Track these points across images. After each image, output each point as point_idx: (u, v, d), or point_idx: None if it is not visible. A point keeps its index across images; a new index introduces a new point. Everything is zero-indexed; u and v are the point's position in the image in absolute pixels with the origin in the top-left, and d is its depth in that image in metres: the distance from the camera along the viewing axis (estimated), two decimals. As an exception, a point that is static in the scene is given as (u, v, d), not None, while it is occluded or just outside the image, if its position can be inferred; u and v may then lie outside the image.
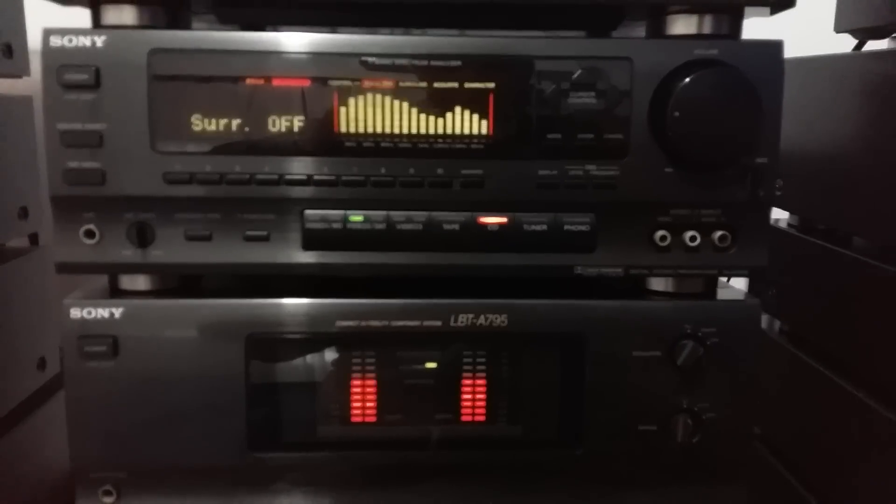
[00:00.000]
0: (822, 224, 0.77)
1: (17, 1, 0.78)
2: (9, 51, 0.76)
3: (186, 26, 0.56)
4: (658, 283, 0.58)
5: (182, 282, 0.57)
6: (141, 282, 0.56)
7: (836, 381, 0.67)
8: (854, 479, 0.64)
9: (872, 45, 0.76)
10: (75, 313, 0.54)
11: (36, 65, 0.79)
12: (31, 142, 0.80)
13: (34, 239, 0.84)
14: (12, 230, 0.77)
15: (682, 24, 0.54)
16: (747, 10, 0.54)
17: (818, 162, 0.74)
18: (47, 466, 0.75)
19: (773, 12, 0.55)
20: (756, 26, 0.58)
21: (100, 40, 0.51)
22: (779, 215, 0.86)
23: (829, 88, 0.73)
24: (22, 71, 0.79)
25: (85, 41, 0.51)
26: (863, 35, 0.75)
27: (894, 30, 0.70)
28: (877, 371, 0.63)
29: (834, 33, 0.77)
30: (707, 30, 0.54)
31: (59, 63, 0.51)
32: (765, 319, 0.86)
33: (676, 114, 0.51)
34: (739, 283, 0.84)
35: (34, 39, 0.78)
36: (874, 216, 0.65)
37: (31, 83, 0.81)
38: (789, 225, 0.83)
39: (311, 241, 0.54)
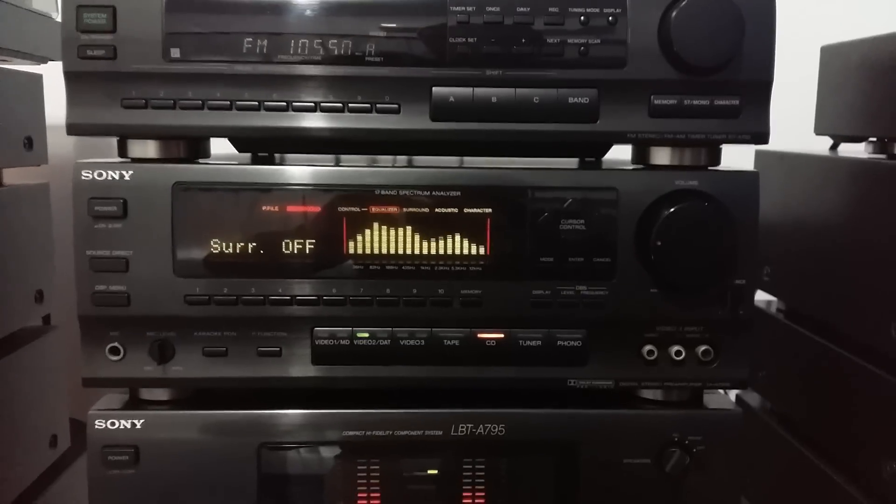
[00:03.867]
0: (805, 311, 0.80)
1: (38, 96, 0.82)
2: (30, 143, 0.80)
3: (206, 154, 0.60)
4: (648, 392, 0.61)
5: (198, 391, 0.61)
6: (160, 392, 0.60)
7: (820, 466, 0.70)
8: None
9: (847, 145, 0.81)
10: (100, 424, 0.57)
11: (52, 150, 0.83)
12: (46, 226, 0.83)
13: (46, 319, 0.86)
14: (29, 314, 0.80)
15: (665, 155, 0.58)
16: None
17: (800, 251, 0.78)
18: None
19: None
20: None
21: (127, 174, 0.55)
22: (770, 298, 0.89)
23: (810, 183, 0.77)
24: (41, 160, 0.83)
25: (113, 174, 0.55)
26: (839, 139, 0.79)
27: (867, 138, 0.74)
28: (858, 461, 0.66)
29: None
30: (687, 161, 0.58)
31: (90, 195, 0.55)
32: (757, 399, 0.89)
33: (659, 242, 0.55)
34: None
35: (50, 120, 0.81)
36: (850, 309, 0.68)
37: (48, 169, 0.85)
38: (777, 310, 0.87)
39: (321, 356, 0.58)
